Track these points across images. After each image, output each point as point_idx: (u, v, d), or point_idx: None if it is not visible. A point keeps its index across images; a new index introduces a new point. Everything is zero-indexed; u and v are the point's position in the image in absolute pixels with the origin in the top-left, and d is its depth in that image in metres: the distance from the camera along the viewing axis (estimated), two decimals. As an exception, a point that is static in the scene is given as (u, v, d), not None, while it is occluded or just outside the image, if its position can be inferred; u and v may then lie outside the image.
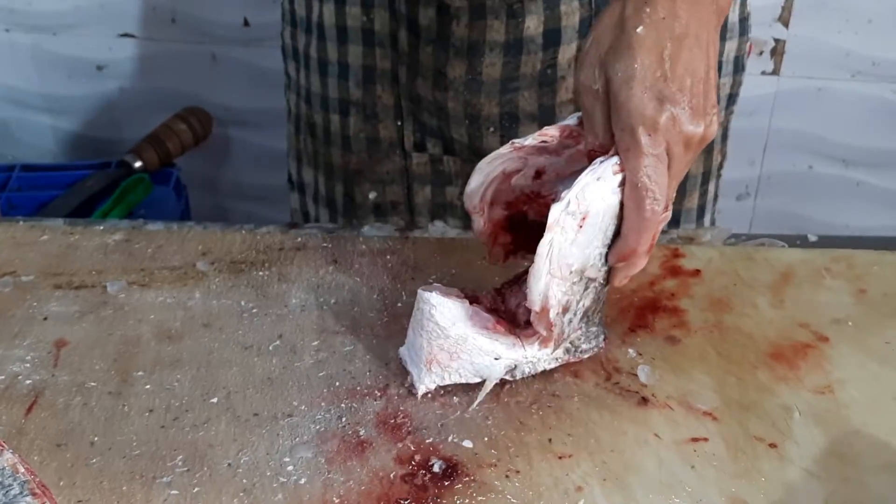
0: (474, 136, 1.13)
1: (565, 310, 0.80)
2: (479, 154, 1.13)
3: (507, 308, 0.86)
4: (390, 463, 0.76)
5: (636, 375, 0.85)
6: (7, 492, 0.63)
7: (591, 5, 1.05)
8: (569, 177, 0.83)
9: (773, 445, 0.78)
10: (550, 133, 0.82)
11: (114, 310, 0.93)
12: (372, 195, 1.20)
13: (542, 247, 0.76)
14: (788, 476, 0.75)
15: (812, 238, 1.05)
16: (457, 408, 0.81)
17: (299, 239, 1.03)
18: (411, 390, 0.83)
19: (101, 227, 1.06)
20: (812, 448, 0.78)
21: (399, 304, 0.93)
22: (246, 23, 2.02)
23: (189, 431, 0.79)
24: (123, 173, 1.98)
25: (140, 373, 0.85)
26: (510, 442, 0.78)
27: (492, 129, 1.12)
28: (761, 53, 2.04)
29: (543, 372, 0.84)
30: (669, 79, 0.75)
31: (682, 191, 1.19)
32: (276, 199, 1.77)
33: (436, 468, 0.75)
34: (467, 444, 0.78)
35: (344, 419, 0.80)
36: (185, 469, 0.75)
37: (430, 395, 0.82)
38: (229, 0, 2.01)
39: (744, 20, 1.16)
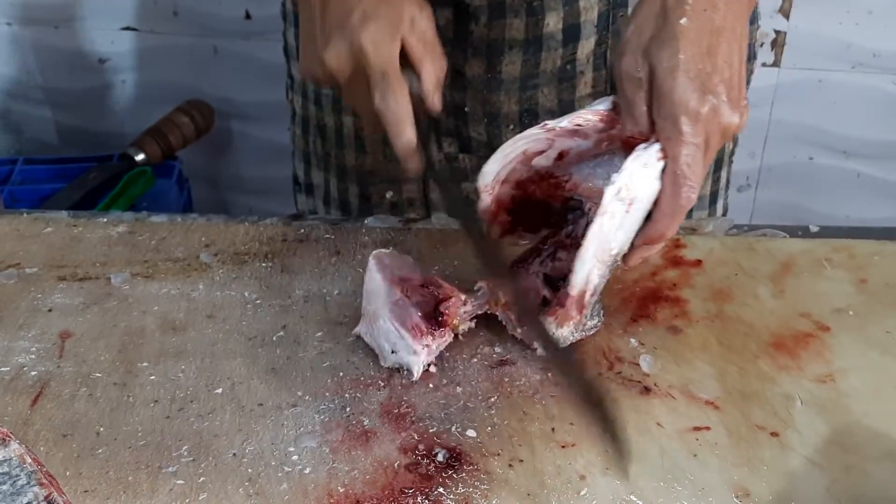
0: (493, 135, 1.13)
1: (595, 292, 0.82)
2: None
3: (519, 288, 0.87)
4: (394, 452, 0.76)
5: (638, 365, 0.85)
6: (14, 482, 0.63)
7: (608, 0, 1.06)
8: (590, 160, 0.85)
9: (774, 434, 0.78)
10: (586, 117, 0.83)
11: (118, 301, 0.93)
12: (388, 194, 1.20)
13: (592, 232, 0.78)
14: (790, 464, 0.76)
15: (813, 228, 1.05)
16: (460, 397, 0.82)
17: (302, 231, 1.03)
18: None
19: (105, 220, 1.06)
20: (813, 437, 0.78)
21: (402, 295, 0.94)
22: (247, 16, 2.02)
23: (194, 422, 0.79)
24: (125, 166, 1.98)
25: (145, 364, 0.85)
26: (513, 431, 0.78)
27: (511, 126, 1.12)
28: (762, 45, 2.04)
29: (546, 361, 0.85)
30: (712, 71, 0.77)
31: None
32: (277, 192, 1.77)
33: (440, 457, 0.75)
34: (471, 433, 0.78)
35: (348, 409, 0.80)
36: (191, 459, 0.75)
37: (432, 386, 0.83)
38: (231, -7, 2.02)
39: (753, 8, 1.16)
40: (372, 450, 0.76)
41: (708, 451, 0.77)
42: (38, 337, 0.88)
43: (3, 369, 0.84)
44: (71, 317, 0.91)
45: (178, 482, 0.73)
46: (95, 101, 2.17)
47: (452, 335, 0.86)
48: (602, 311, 0.88)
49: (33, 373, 0.84)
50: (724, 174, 1.24)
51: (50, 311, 0.92)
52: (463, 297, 0.86)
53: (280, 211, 1.23)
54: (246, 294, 0.94)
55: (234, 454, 0.76)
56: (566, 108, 1.10)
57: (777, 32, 2.02)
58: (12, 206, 1.86)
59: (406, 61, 0.86)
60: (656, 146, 0.78)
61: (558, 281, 0.85)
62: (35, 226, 1.04)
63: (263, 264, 0.98)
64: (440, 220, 1.06)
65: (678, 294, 0.94)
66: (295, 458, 0.75)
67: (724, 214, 1.28)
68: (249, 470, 0.74)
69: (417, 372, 0.83)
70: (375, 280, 0.85)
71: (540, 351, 0.86)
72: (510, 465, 0.75)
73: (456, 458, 0.75)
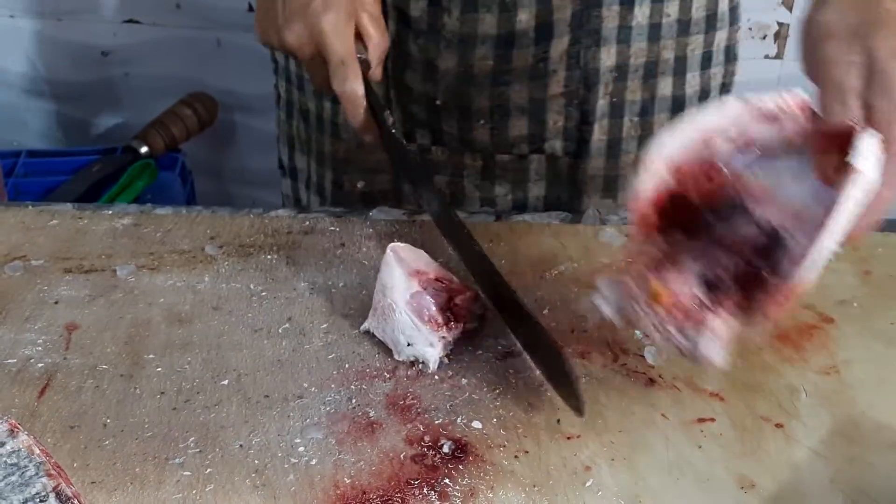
0: (464, 129, 1.13)
1: None
2: (469, 146, 1.13)
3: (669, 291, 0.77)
4: (400, 444, 0.76)
5: (643, 357, 0.86)
6: (23, 473, 0.63)
7: None
8: (772, 160, 0.78)
9: (779, 426, 0.79)
10: (788, 101, 0.78)
11: (124, 293, 0.93)
12: (360, 184, 1.21)
13: (840, 222, 0.72)
14: (794, 456, 0.76)
15: (817, 220, 1.05)
16: (465, 389, 0.82)
17: (307, 223, 1.03)
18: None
19: (110, 212, 1.06)
20: (818, 428, 0.78)
21: (407, 287, 0.94)
22: (250, 8, 2.02)
23: (200, 413, 0.79)
24: (129, 159, 1.98)
25: (151, 355, 0.85)
26: (519, 423, 0.79)
27: (482, 121, 1.12)
28: (765, 37, 2.04)
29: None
30: None
31: None
32: (281, 184, 1.78)
33: (445, 449, 0.76)
34: (476, 425, 0.78)
35: (354, 401, 0.80)
36: (198, 450, 0.76)
37: (438, 378, 0.83)
38: (234, -15, 2.02)
39: (734, 9, 1.16)
40: (378, 441, 0.77)
41: (712, 442, 0.77)
42: (44, 329, 0.88)
43: (9, 361, 0.84)
44: (77, 309, 0.91)
45: (185, 473, 0.73)
46: (99, 94, 2.17)
47: (462, 328, 0.86)
48: None
49: (40, 365, 0.84)
50: None
51: (56, 303, 0.92)
52: (474, 292, 0.87)
53: (283, 203, 1.23)
54: (251, 286, 0.94)
55: (241, 445, 0.76)
56: (537, 106, 1.11)
57: (780, 24, 2.02)
58: (16, 198, 1.86)
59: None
60: (876, 135, 0.73)
61: (715, 283, 0.77)
62: (40, 218, 1.05)
63: (269, 256, 0.98)
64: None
65: (683, 286, 0.94)
66: (301, 449, 0.76)
67: None
68: (256, 461, 0.75)
69: (434, 364, 0.83)
70: (394, 272, 0.85)
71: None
72: (515, 457, 0.75)
73: (462, 450, 0.76)
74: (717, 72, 1.17)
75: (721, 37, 1.16)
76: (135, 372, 0.84)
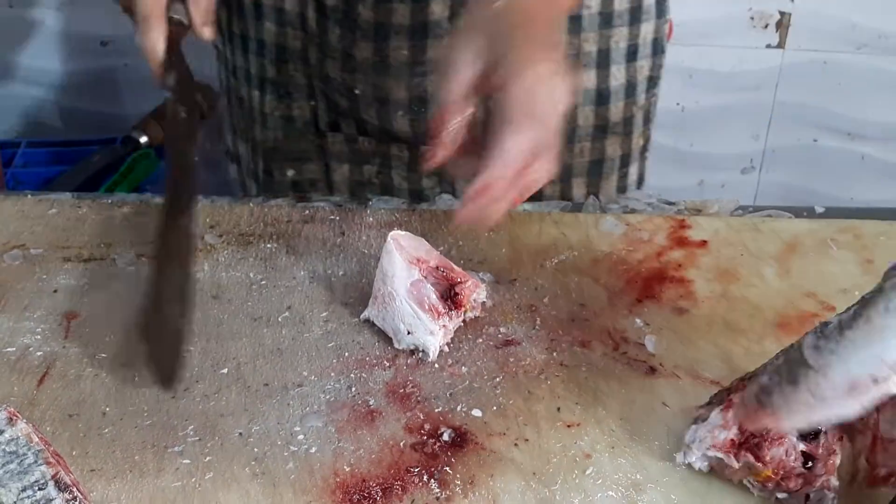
0: (384, 119, 1.13)
1: None
2: (391, 136, 1.14)
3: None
4: (400, 432, 0.76)
5: (643, 345, 0.85)
6: (22, 461, 0.63)
7: None
8: None
9: (780, 414, 0.78)
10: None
11: (123, 282, 0.93)
12: (290, 172, 1.21)
13: None
14: (796, 444, 0.76)
15: (819, 209, 1.05)
16: (465, 377, 0.82)
17: (307, 212, 1.03)
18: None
19: (110, 201, 1.06)
20: (819, 416, 0.78)
21: (407, 276, 0.94)
22: (250, -3, 2.01)
23: (200, 402, 0.79)
24: (129, 149, 1.98)
25: (150, 344, 0.85)
26: (519, 411, 0.78)
27: (401, 112, 1.12)
28: (766, 26, 2.04)
29: (551, 341, 0.85)
30: None
31: (598, 173, 1.19)
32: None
33: (445, 437, 0.76)
34: (476, 413, 0.78)
35: (353, 389, 0.80)
36: (197, 438, 0.75)
37: (438, 366, 0.83)
38: (233, -25, 2.01)
39: (661, 1, 1.15)
40: (377, 429, 0.76)
41: (713, 430, 0.77)
42: (43, 317, 0.88)
43: (8, 350, 0.84)
44: (76, 297, 0.91)
45: (185, 461, 0.73)
46: (98, 84, 2.16)
47: (463, 317, 0.86)
48: None
49: (39, 353, 0.84)
50: (633, 170, 1.23)
51: (55, 291, 0.92)
52: (476, 281, 0.87)
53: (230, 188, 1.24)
54: (251, 275, 0.94)
55: (240, 434, 0.76)
56: None
57: (782, 14, 2.02)
58: (16, 188, 1.86)
59: None
60: None
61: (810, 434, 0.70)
62: (39, 207, 1.04)
63: (268, 245, 0.98)
64: (444, 202, 1.06)
65: (683, 274, 0.94)
66: (301, 437, 0.76)
67: (641, 182, 1.26)
68: (255, 449, 0.74)
69: (434, 353, 0.83)
70: (394, 260, 0.84)
71: None
72: (515, 445, 0.75)
73: (461, 438, 0.76)
74: (643, 65, 1.16)
75: (647, 29, 1.15)
76: (134, 360, 0.83)
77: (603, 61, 1.13)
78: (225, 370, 0.82)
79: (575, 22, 1.10)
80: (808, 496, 0.68)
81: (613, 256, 0.97)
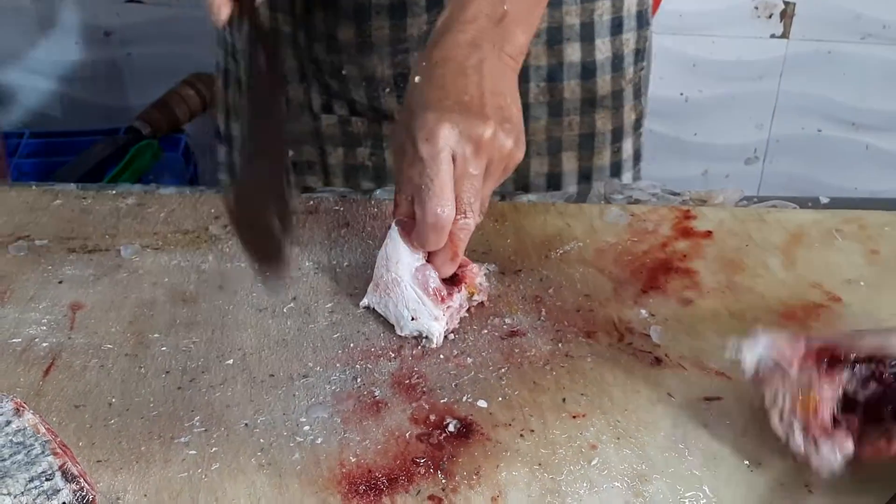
0: (372, 97, 1.14)
1: None
2: (381, 114, 1.15)
3: None
4: (406, 422, 0.76)
5: (649, 336, 0.85)
6: (29, 451, 0.63)
7: None
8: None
9: (785, 404, 0.78)
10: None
11: (128, 273, 0.93)
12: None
13: None
14: (801, 434, 0.76)
15: (823, 200, 1.05)
16: (471, 368, 0.82)
17: (311, 202, 1.03)
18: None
19: (114, 192, 1.06)
20: (824, 407, 0.78)
21: (412, 267, 0.94)
22: (253, -13, 2.01)
23: (206, 392, 0.79)
24: (132, 139, 1.98)
25: (156, 335, 0.85)
26: (524, 402, 0.78)
27: (388, 89, 1.13)
28: (770, 16, 2.03)
29: (556, 332, 0.85)
30: None
31: (589, 147, 1.20)
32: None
33: (451, 428, 0.76)
34: (482, 404, 0.78)
35: (359, 380, 0.80)
36: (203, 429, 0.75)
37: (443, 357, 0.83)
38: (236, -36, 2.00)
39: None
40: (383, 420, 0.76)
41: (719, 420, 0.77)
42: (49, 308, 0.88)
43: (14, 340, 0.84)
44: (81, 288, 0.91)
45: (191, 452, 0.73)
46: (101, 75, 2.16)
47: (468, 305, 0.86)
48: None
49: (45, 344, 0.84)
50: (627, 145, 1.22)
51: (60, 282, 0.92)
52: (477, 266, 0.87)
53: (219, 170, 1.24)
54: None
55: (246, 424, 0.76)
56: None
57: (786, 4, 2.01)
58: (19, 179, 1.86)
59: None
60: None
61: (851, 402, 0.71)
62: (44, 198, 1.04)
63: (273, 236, 0.98)
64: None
65: (689, 265, 0.94)
66: (307, 428, 0.76)
67: (638, 159, 1.26)
68: (261, 440, 0.74)
69: (438, 338, 0.83)
70: (399, 247, 0.84)
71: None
72: (521, 435, 0.75)
73: (467, 429, 0.76)
74: (629, 38, 1.17)
75: (631, 2, 1.15)
76: (140, 351, 0.83)
77: (587, 34, 1.13)
78: (230, 361, 0.83)
79: None
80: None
81: (618, 247, 0.97)
